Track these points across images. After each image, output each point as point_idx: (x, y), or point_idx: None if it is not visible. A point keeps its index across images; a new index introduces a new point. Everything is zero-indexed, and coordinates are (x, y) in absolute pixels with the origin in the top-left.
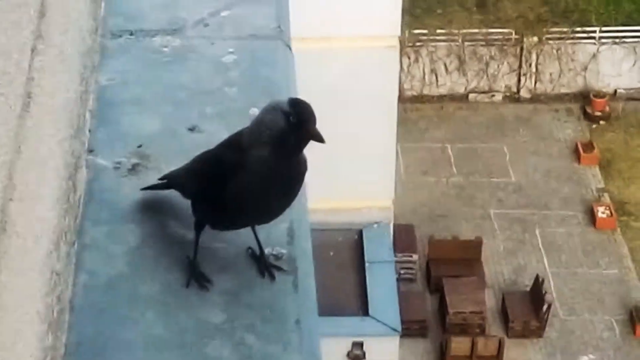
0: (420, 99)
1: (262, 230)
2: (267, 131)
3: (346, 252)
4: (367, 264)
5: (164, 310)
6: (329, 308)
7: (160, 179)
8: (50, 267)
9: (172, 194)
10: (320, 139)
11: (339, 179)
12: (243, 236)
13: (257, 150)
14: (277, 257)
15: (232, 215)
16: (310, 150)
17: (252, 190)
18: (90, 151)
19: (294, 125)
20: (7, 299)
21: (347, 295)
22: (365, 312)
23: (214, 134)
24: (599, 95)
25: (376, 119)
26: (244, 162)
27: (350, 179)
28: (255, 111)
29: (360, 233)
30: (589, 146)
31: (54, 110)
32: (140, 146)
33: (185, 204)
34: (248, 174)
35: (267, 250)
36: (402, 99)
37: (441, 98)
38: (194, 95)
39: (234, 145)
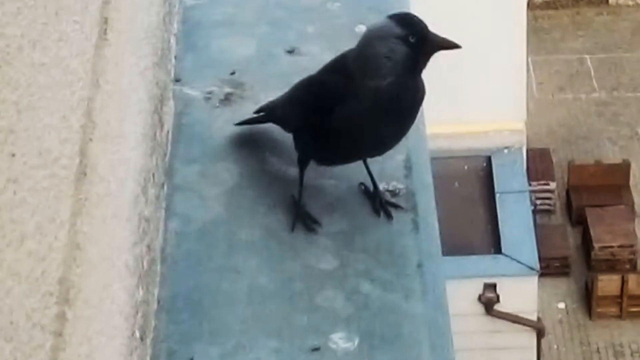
0: (552, 4)
1: (375, 163)
2: (388, 63)
3: (473, 182)
4: (497, 195)
5: (268, 257)
6: (455, 247)
7: (256, 112)
8: (138, 212)
9: (271, 127)
10: (453, 45)
11: (462, 99)
12: (353, 171)
13: (373, 80)
14: (394, 193)
15: (341, 147)
16: (429, 68)
17: (365, 119)
18: (177, 80)
19: (416, 46)
20: (91, 251)
21: (476, 231)
22: (497, 249)
23: (317, 56)
24: None
25: (503, 28)
26: (356, 89)
27: (475, 99)
28: (362, 28)
29: (488, 160)
30: None
31: (135, 37)
32: (233, 73)
33: (287, 137)
34: (362, 102)
35: (381, 186)
36: (531, 5)
37: (577, 2)
38: (292, 13)
39: (340, 70)
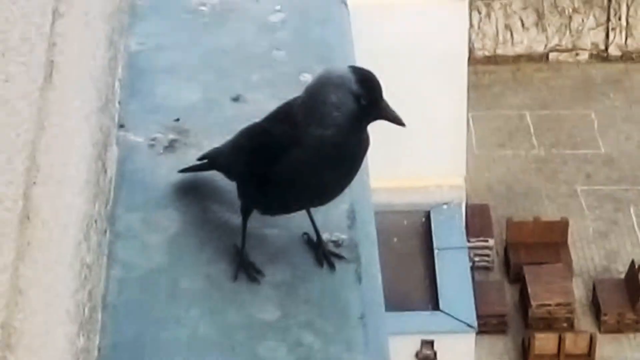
0: (493, 60)
1: (319, 213)
2: (334, 113)
3: (412, 237)
4: (436, 251)
5: (210, 307)
6: (393, 302)
7: (200, 159)
8: (80, 259)
9: (215, 175)
10: (399, 122)
11: (402, 153)
12: (297, 221)
13: (317, 129)
14: (337, 243)
15: (284, 196)
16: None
17: (309, 168)
18: (121, 126)
19: (365, 108)
20: (33, 296)
21: (414, 287)
22: (435, 306)
23: (261, 104)
24: None
25: (443, 83)
26: (300, 138)
27: (415, 154)
28: (307, 77)
29: (427, 215)
30: None
31: (80, 80)
32: (177, 120)
33: (230, 186)
34: (306, 151)
35: (325, 236)
36: (472, 60)
37: (517, 58)
38: (237, 60)
39: (285, 118)
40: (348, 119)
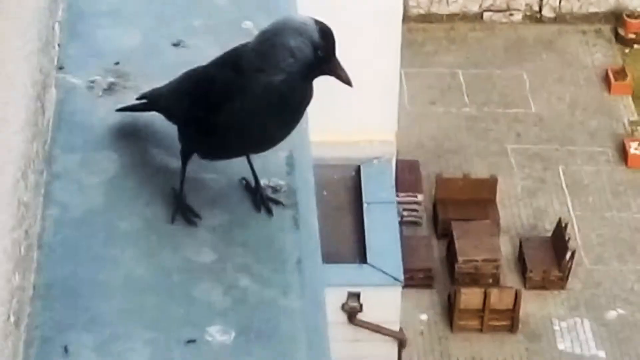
0: (427, 18)
1: (258, 159)
2: (290, 59)
3: (342, 191)
4: (365, 205)
5: (146, 249)
6: (323, 255)
7: (138, 98)
8: (17, 197)
9: (155, 117)
10: (348, 82)
11: (334, 108)
12: (236, 166)
13: (266, 75)
14: (275, 189)
15: (226, 142)
16: None
17: (253, 116)
18: (60, 68)
19: (320, 59)
20: None
21: (342, 240)
22: (362, 259)
23: (202, 50)
24: (634, 15)
25: (377, 40)
26: (246, 84)
27: (347, 109)
28: (248, 25)
29: (358, 170)
30: (621, 73)
31: (20, 21)
32: (117, 63)
33: (170, 128)
34: (251, 99)
35: (263, 182)
36: (406, 18)
37: (452, 17)
38: (178, 6)
39: (231, 64)
40: (301, 68)
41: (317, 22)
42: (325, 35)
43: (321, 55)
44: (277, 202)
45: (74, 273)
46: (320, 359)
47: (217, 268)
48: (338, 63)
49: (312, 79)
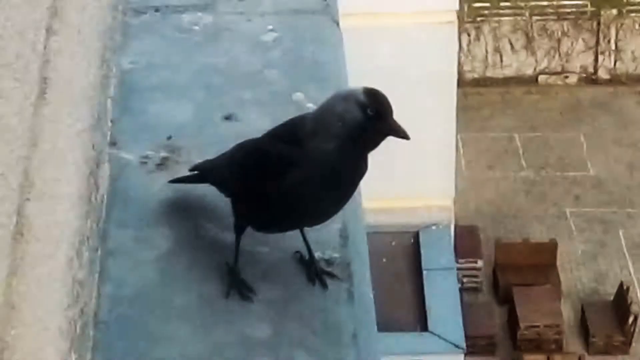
0: (482, 82)
1: (312, 231)
2: (338, 123)
3: (401, 258)
4: (425, 272)
5: (202, 325)
6: (382, 323)
7: (191, 170)
8: (72, 275)
9: (207, 190)
10: (404, 135)
11: (391, 174)
12: (290, 239)
13: (320, 143)
14: (329, 262)
15: (281, 216)
16: None
17: (308, 189)
18: (113, 144)
19: (371, 119)
20: (26, 312)
21: (402, 307)
22: (423, 327)
23: (253, 123)
24: None
25: (433, 105)
26: (301, 156)
27: (404, 175)
28: (299, 96)
29: (416, 236)
30: None
31: (72, 98)
32: (169, 138)
33: (222, 202)
34: (306, 170)
35: (317, 255)
36: (461, 82)
37: (507, 81)
38: (229, 79)
39: (286, 135)
40: (351, 131)
41: (365, 88)
42: (372, 94)
43: (371, 113)
44: (332, 275)
45: (130, 350)
46: None
47: (273, 343)
48: (393, 120)
49: (369, 147)
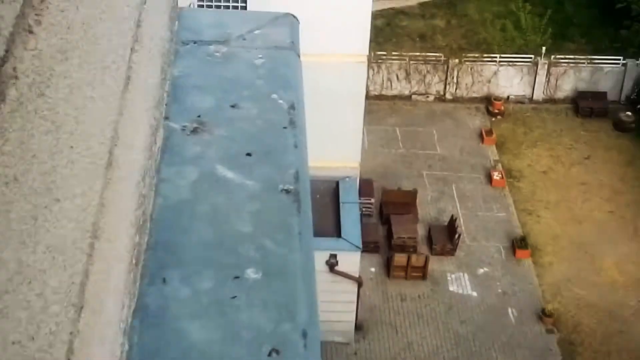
0: (379, 97)
1: (278, 170)
2: None
3: (327, 195)
4: (341, 204)
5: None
6: (314, 231)
7: None
8: (139, 191)
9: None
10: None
11: (323, 148)
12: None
13: None
14: (287, 191)
15: None
16: (308, 130)
17: None
18: (166, 118)
19: None
20: (113, 211)
21: (326, 223)
22: (338, 234)
23: (249, 110)
24: (497, 99)
25: (350, 109)
26: None
27: (332, 148)
28: (275, 96)
29: (337, 183)
30: (489, 132)
31: (144, 90)
32: (199, 116)
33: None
34: None
35: (280, 187)
36: (367, 96)
37: (393, 97)
38: (235, 84)
39: None
40: None
41: None
42: None
43: None
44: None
45: (170, 238)
46: (310, 290)
47: (253, 235)
48: None
49: None
